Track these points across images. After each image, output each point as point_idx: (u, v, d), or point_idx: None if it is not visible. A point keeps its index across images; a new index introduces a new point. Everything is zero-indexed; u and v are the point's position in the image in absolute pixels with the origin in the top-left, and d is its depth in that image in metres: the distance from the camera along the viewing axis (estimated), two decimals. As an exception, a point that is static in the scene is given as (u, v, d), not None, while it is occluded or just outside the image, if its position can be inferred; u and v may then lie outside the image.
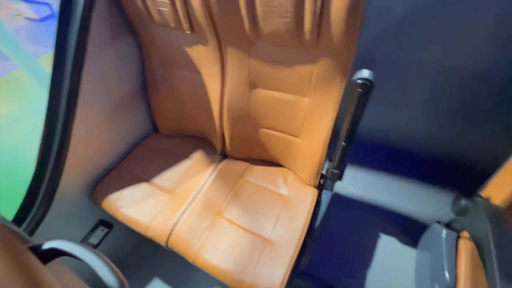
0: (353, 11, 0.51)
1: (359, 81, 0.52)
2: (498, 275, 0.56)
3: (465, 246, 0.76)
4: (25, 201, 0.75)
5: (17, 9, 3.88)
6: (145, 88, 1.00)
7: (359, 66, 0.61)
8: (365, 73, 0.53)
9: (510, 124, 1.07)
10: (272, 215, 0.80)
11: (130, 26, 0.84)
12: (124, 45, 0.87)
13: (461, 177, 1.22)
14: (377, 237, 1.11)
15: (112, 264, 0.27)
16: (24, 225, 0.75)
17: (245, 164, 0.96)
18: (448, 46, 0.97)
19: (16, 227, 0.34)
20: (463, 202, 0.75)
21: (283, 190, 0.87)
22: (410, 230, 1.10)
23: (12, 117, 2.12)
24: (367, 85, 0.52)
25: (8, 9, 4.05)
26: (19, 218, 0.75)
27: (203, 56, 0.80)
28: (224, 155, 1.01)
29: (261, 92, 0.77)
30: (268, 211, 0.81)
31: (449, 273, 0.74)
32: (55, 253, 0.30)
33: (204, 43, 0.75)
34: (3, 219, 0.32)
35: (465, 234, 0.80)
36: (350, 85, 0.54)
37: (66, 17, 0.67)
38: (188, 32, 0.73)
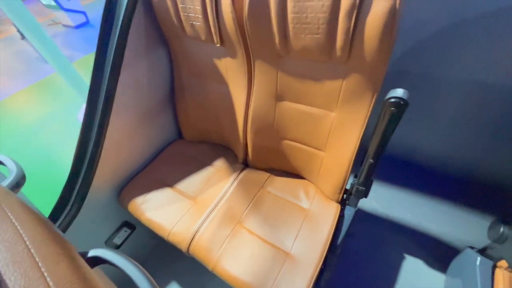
0: (388, 29, 0.50)
1: (393, 100, 0.51)
2: None
3: (503, 277, 0.70)
4: (60, 200, 0.80)
5: (57, 17, 4.22)
6: (172, 96, 1.04)
7: (387, 82, 0.60)
8: (399, 92, 0.51)
9: None
10: (293, 228, 0.79)
11: (163, 37, 0.88)
12: (156, 55, 0.91)
13: (498, 201, 1.13)
14: (402, 258, 1.05)
15: (153, 280, 0.28)
16: (58, 223, 0.80)
17: (266, 175, 0.96)
18: (485, 62, 0.91)
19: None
20: (502, 228, 0.70)
21: (304, 203, 0.86)
22: (439, 254, 1.04)
23: (47, 116, 2.30)
24: (401, 104, 0.51)
25: (49, 17, 4.43)
26: (53, 216, 0.80)
27: (230, 68, 0.82)
28: (246, 165, 1.01)
29: (287, 105, 0.77)
30: (288, 224, 0.80)
31: None
32: (97, 261, 0.32)
33: (232, 55, 0.77)
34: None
35: (502, 263, 0.74)
36: (383, 103, 0.53)
37: (107, 31, 0.72)
38: (218, 45, 0.75)
